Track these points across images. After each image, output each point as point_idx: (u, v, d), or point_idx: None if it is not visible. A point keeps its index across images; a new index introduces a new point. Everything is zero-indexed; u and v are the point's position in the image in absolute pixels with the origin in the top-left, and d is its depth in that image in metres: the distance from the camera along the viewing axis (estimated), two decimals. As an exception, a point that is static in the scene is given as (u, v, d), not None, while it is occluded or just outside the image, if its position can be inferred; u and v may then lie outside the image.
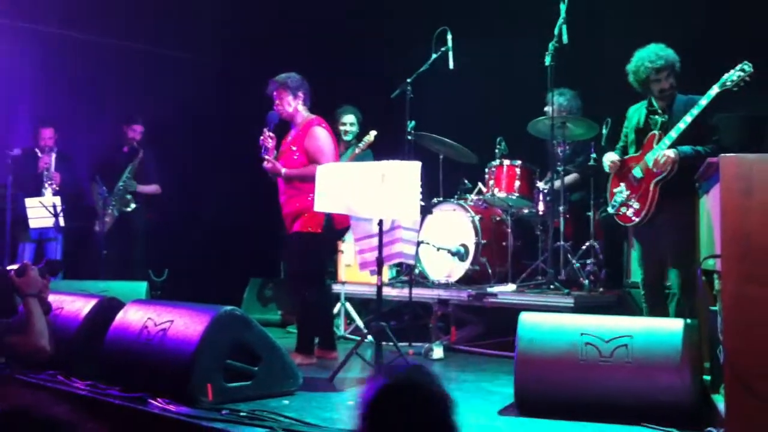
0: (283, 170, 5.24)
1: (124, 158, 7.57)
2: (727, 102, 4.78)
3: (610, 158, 5.11)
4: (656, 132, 4.92)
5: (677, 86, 4.93)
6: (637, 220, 4.94)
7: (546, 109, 6.11)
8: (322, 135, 5.33)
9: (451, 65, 6.04)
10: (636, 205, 4.93)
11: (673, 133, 4.75)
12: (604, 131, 6.20)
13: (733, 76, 4.51)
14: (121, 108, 7.87)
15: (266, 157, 5.25)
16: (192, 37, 8.38)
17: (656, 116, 4.97)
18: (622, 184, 5.07)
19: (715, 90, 4.58)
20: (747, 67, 4.47)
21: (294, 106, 5.38)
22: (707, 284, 3.83)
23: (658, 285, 5.09)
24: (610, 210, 5.18)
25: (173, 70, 8.39)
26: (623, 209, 5.04)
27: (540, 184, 6.30)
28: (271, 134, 5.25)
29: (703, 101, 4.64)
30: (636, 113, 5.13)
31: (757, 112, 5.63)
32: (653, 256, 5.01)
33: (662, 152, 4.75)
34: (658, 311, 4.95)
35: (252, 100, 7.11)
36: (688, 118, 4.68)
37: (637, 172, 4.97)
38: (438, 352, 5.64)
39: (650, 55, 4.89)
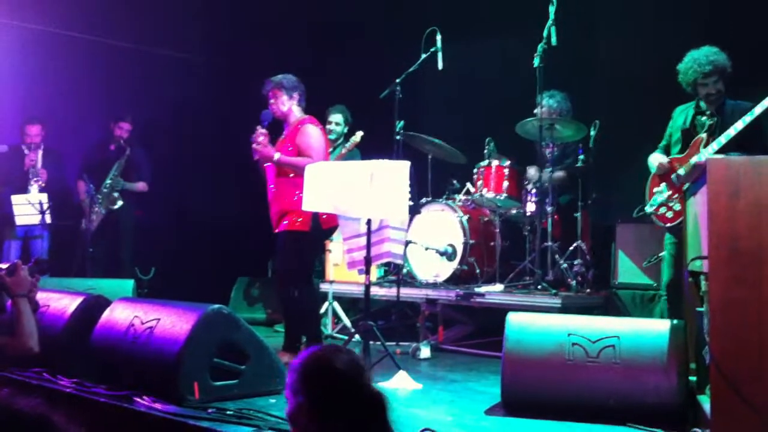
0: (276, 155, 5.19)
1: (111, 156, 7.53)
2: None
3: (658, 159, 5.02)
4: (703, 135, 4.85)
5: (726, 91, 4.86)
6: (677, 221, 4.86)
7: (536, 110, 6.12)
8: (314, 132, 5.34)
9: (440, 66, 6.04)
10: (677, 207, 4.89)
11: (723, 139, 4.66)
12: (593, 133, 6.23)
13: None
14: (109, 105, 7.83)
15: (259, 139, 5.23)
16: (180, 36, 8.37)
17: (704, 118, 4.90)
18: (663, 184, 5.04)
19: None
20: None
21: (288, 106, 5.39)
22: (694, 285, 3.85)
23: (682, 287, 5.06)
24: (648, 209, 5.14)
25: (162, 68, 8.37)
26: (662, 209, 5.02)
27: (530, 173, 6.29)
28: (263, 131, 5.24)
29: (758, 109, 4.52)
30: (683, 113, 5.06)
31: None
32: (685, 259, 4.98)
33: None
34: (678, 313, 4.92)
35: (240, 99, 7.10)
36: (739, 125, 4.58)
37: (681, 173, 4.92)
38: (425, 351, 5.64)
39: (701, 58, 4.83)
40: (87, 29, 8.04)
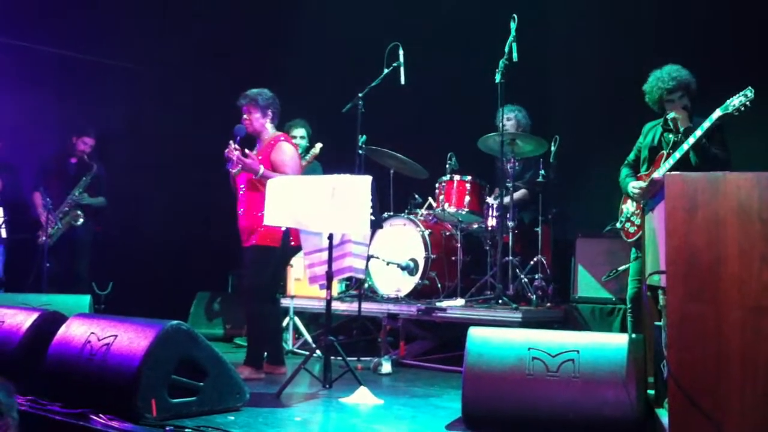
0: (261, 168, 5.18)
1: (71, 170, 7.42)
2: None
3: (638, 185, 4.99)
4: (665, 152, 4.90)
5: (692, 107, 4.88)
6: (638, 236, 4.89)
7: (499, 125, 6.15)
8: (288, 150, 5.36)
9: (402, 81, 6.07)
10: (638, 222, 4.94)
11: (677, 154, 4.71)
12: (553, 148, 6.30)
13: (734, 100, 4.45)
14: (63, 118, 7.72)
15: (246, 151, 5.20)
16: (135, 48, 8.29)
17: (670, 135, 4.92)
18: (630, 201, 5.10)
19: (717, 113, 4.51)
20: (750, 92, 4.44)
21: (262, 123, 5.42)
22: (652, 300, 3.89)
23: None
24: (618, 225, 5.21)
25: (117, 80, 8.29)
26: (627, 224, 5.09)
27: (489, 200, 6.35)
28: (236, 146, 5.21)
29: (706, 123, 4.56)
30: (652, 131, 5.10)
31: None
32: (644, 274, 5.02)
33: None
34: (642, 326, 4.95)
35: (197, 112, 7.07)
36: (691, 140, 4.63)
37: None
38: (387, 366, 5.63)
39: (664, 76, 4.88)
40: (40, 40, 7.92)
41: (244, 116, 5.43)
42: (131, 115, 8.08)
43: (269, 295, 5.37)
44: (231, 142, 5.22)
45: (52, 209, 7.11)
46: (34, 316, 4.59)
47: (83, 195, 7.33)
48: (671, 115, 4.80)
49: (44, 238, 7.06)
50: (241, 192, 5.40)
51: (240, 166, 5.23)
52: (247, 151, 5.23)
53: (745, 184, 3.09)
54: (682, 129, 4.74)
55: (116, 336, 3.95)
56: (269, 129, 5.46)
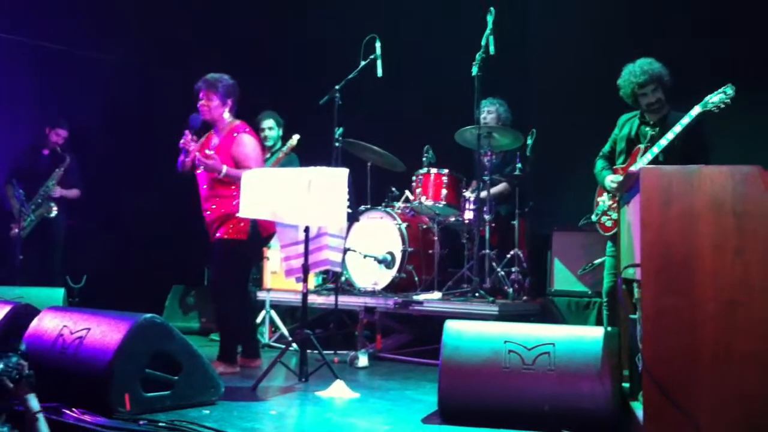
0: (224, 168, 5.02)
1: (44, 162, 7.35)
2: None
3: (615, 179, 4.99)
4: (643, 145, 4.91)
5: (667, 101, 4.92)
6: (614, 230, 4.91)
7: (478, 117, 6.14)
8: (249, 142, 5.21)
9: (379, 73, 6.05)
10: (615, 216, 4.95)
11: (656, 149, 4.74)
12: (530, 142, 6.31)
13: (714, 97, 4.50)
14: (36, 109, 7.64)
15: (207, 151, 5.06)
16: (110, 37, 8.20)
17: (647, 128, 4.95)
18: (605, 194, 5.10)
19: (696, 110, 4.56)
20: (729, 89, 4.46)
21: (221, 111, 5.23)
22: (627, 293, 3.90)
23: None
24: (593, 218, 5.21)
25: (91, 70, 8.20)
26: (604, 218, 5.10)
27: (467, 193, 6.35)
28: (194, 137, 5.12)
29: (685, 119, 4.61)
30: (628, 123, 5.10)
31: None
32: (619, 267, 5.03)
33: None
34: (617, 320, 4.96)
35: (172, 103, 6.96)
36: (670, 135, 4.66)
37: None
38: (363, 360, 5.61)
39: (635, 70, 4.89)
40: (12, 29, 7.80)
41: (202, 101, 5.20)
42: (106, 107, 8.00)
43: (238, 290, 5.27)
44: (187, 132, 5.10)
45: (25, 201, 7.03)
46: (6, 309, 4.54)
47: (56, 187, 7.26)
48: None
49: (16, 230, 6.98)
50: (204, 188, 5.26)
51: (201, 165, 5.08)
52: (207, 151, 5.06)
53: (720, 177, 3.11)
54: (651, 121, 4.77)
55: (89, 329, 3.91)
56: (226, 117, 5.25)
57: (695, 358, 3.04)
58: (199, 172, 5.27)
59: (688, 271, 3.08)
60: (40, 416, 3.36)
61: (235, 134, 5.21)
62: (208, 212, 5.24)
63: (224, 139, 5.23)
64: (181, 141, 5.11)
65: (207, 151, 5.08)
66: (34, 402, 3.38)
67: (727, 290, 3.04)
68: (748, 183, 3.07)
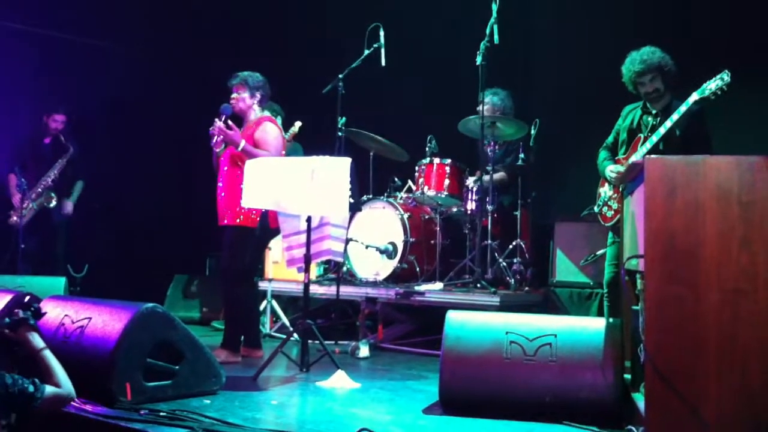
0: (242, 142, 5.12)
1: (46, 150, 7.33)
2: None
3: (615, 169, 4.95)
4: (643, 135, 4.87)
5: (669, 90, 4.86)
6: (614, 220, 4.91)
7: (478, 108, 6.12)
8: (272, 130, 5.30)
9: (383, 62, 6.02)
10: (615, 206, 4.93)
11: (655, 138, 4.70)
12: (533, 132, 6.28)
13: (711, 83, 4.43)
14: (38, 98, 7.61)
15: (229, 123, 5.14)
16: (111, 26, 8.18)
17: (649, 118, 4.91)
18: (607, 185, 5.08)
19: (694, 97, 4.50)
20: (726, 76, 4.41)
21: (249, 104, 5.36)
22: (630, 284, 3.88)
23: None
24: (595, 209, 5.19)
25: (93, 59, 8.18)
26: (605, 209, 5.07)
27: (470, 181, 6.32)
28: (221, 125, 5.15)
29: (683, 108, 4.55)
30: (631, 113, 5.06)
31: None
32: (622, 258, 5.00)
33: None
34: (618, 311, 4.94)
35: (175, 92, 6.98)
36: (668, 123, 4.62)
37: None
38: (365, 350, 5.61)
39: (636, 58, 4.85)
40: (13, 17, 7.78)
41: (233, 95, 5.37)
42: (108, 96, 7.98)
43: (247, 277, 5.30)
44: (216, 119, 5.16)
45: (27, 190, 7.02)
46: (8, 298, 4.51)
47: (68, 201, 7.30)
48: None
49: (16, 218, 6.98)
50: (224, 170, 5.33)
51: (223, 144, 5.19)
52: (230, 123, 5.16)
53: (725, 167, 3.09)
54: (654, 111, 4.74)
55: (91, 318, 3.90)
56: (256, 110, 5.40)
57: (698, 348, 3.02)
58: (220, 153, 5.32)
59: (693, 260, 3.06)
60: (46, 352, 3.37)
61: (260, 122, 5.31)
62: (223, 197, 5.26)
63: (250, 126, 5.33)
64: (211, 128, 5.16)
65: (229, 122, 5.15)
66: (37, 340, 3.42)
67: (731, 280, 3.02)
68: (756, 172, 3.05)
